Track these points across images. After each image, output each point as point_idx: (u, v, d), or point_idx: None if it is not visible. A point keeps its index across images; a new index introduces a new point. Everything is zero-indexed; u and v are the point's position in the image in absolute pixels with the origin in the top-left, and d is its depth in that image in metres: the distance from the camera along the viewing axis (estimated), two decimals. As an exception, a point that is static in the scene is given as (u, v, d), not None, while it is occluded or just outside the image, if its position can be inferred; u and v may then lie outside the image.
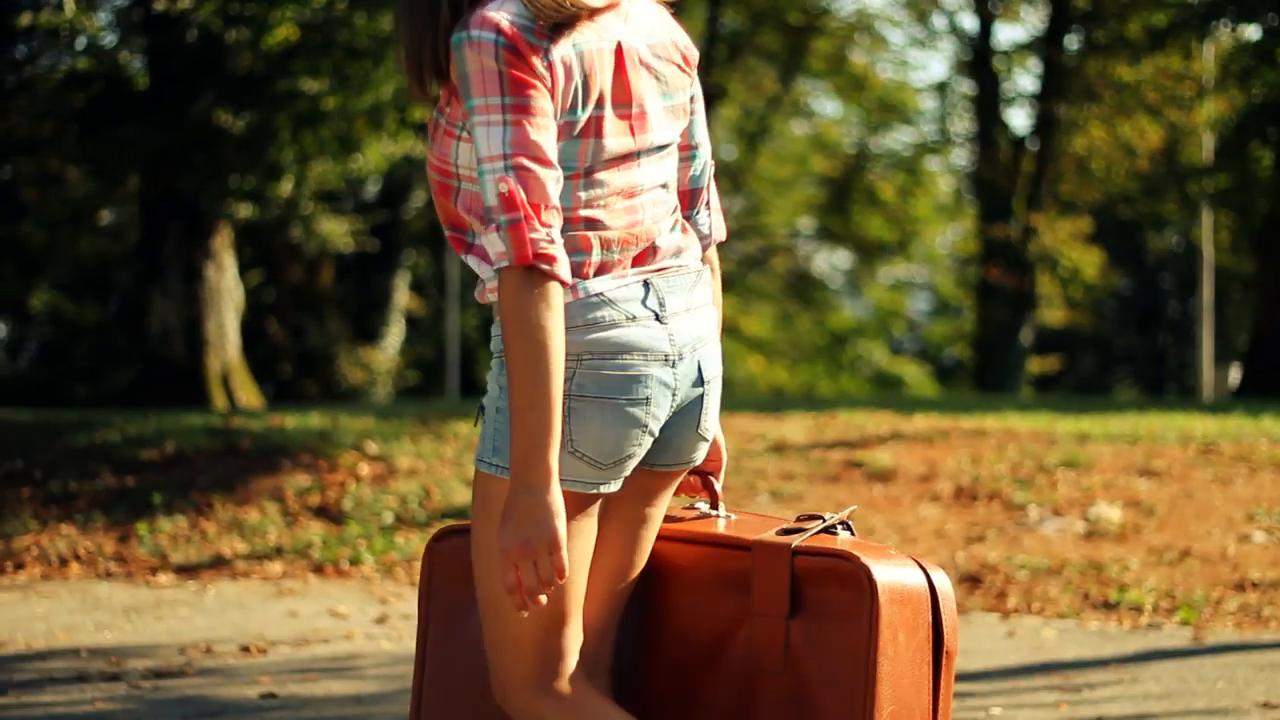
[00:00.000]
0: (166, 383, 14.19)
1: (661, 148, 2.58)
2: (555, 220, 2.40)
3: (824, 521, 2.67)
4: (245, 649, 5.76)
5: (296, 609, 6.49)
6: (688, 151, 2.66)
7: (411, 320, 22.69)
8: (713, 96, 24.95)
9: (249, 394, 14.63)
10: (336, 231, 17.24)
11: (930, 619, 2.59)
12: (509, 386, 2.39)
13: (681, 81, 2.59)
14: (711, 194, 2.71)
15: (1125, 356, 33.32)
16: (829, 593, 2.56)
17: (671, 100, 2.58)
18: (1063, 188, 22.64)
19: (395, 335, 21.42)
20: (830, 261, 29.91)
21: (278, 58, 13.17)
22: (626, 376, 2.49)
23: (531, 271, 2.37)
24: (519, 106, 2.39)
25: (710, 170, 2.70)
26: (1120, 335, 33.02)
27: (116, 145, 13.54)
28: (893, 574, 2.55)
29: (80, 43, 14.10)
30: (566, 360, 2.44)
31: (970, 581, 6.74)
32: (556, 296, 2.38)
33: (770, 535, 2.64)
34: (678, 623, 2.69)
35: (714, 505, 2.79)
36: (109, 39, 13.85)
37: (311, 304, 20.22)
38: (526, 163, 2.38)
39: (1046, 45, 22.25)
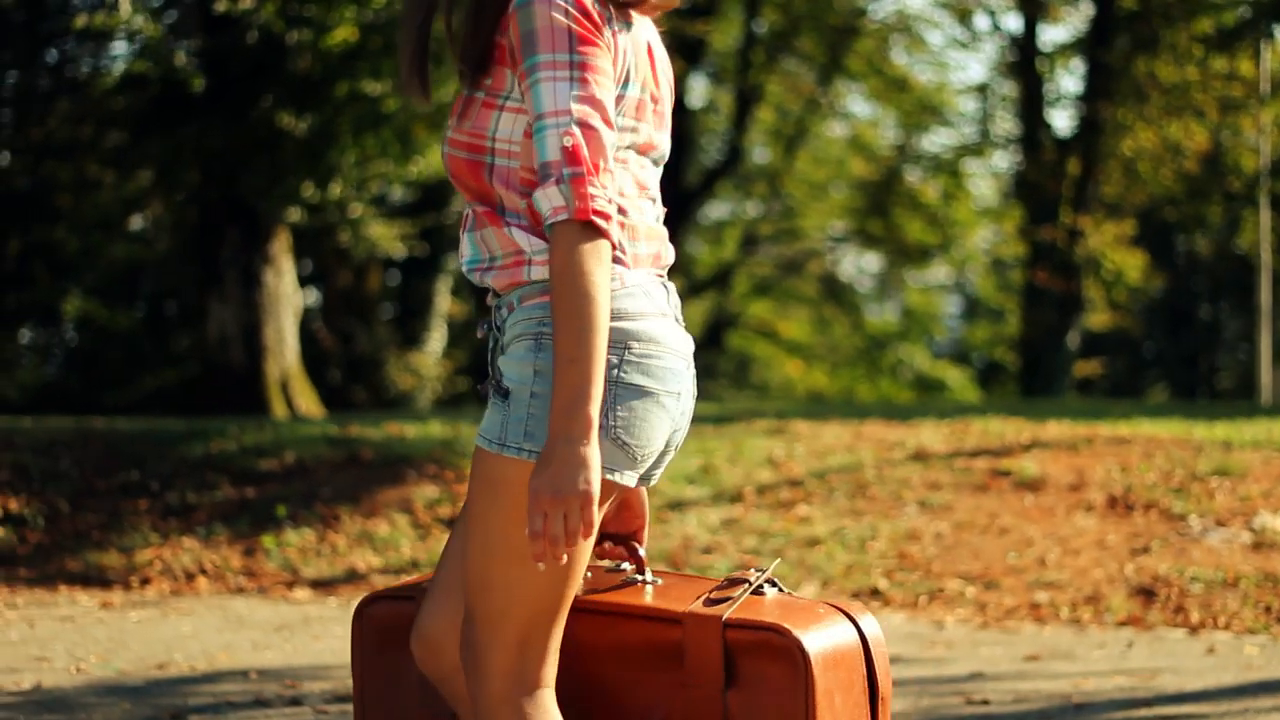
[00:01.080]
0: (225, 389, 13.97)
1: (661, 157, 2.57)
2: (611, 183, 2.37)
3: (750, 584, 2.67)
4: (420, 670, 5.51)
5: (454, 626, 6.23)
6: None
7: (449, 324, 22.41)
8: (749, 99, 24.79)
9: (308, 401, 14.39)
10: (386, 235, 16.99)
11: (864, 671, 2.65)
12: (555, 337, 2.32)
13: (671, 102, 2.60)
14: None
15: (1155, 359, 33.08)
16: (763, 666, 2.58)
17: (667, 113, 2.58)
18: (1107, 190, 22.35)
19: (437, 340, 21.14)
20: (858, 265, 29.67)
21: (338, 59, 12.94)
22: (667, 369, 2.47)
23: (587, 227, 2.33)
24: (585, 64, 2.37)
25: None
26: (1150, 338, 32.77)
27: (174, 148, 13.30)
28: (823, 639, 2.59)
29: (124, 45, 13.85)
30: (614, 347, 2.41)
31: (1144, 595, 6.50)
32: (607, 254, 2.35)
33: (699, 606, 2.63)
34: (610, 697, 2.67)
35: (639, 570, 2.75)
36: (166, 40, 13.54)
37: (360, 309, 19.94)
38: (591, 120, 2.35)
39: (1091, 46, 21.98)
